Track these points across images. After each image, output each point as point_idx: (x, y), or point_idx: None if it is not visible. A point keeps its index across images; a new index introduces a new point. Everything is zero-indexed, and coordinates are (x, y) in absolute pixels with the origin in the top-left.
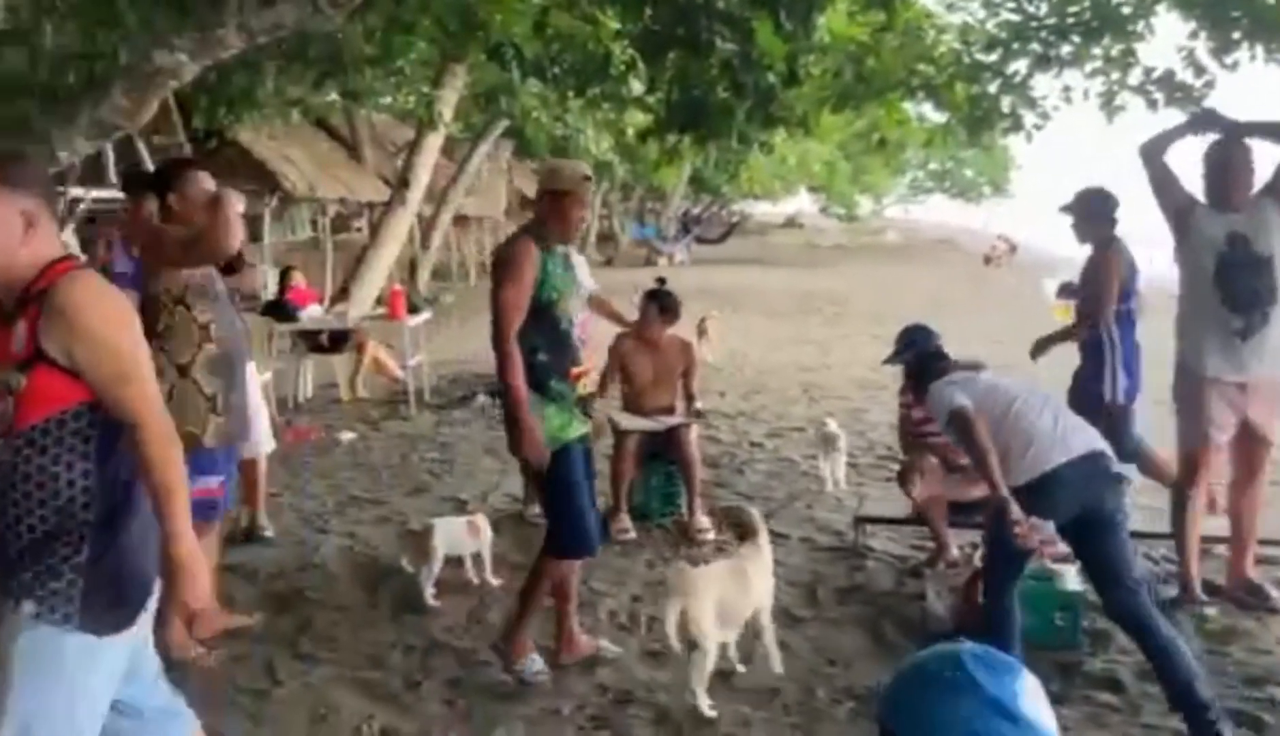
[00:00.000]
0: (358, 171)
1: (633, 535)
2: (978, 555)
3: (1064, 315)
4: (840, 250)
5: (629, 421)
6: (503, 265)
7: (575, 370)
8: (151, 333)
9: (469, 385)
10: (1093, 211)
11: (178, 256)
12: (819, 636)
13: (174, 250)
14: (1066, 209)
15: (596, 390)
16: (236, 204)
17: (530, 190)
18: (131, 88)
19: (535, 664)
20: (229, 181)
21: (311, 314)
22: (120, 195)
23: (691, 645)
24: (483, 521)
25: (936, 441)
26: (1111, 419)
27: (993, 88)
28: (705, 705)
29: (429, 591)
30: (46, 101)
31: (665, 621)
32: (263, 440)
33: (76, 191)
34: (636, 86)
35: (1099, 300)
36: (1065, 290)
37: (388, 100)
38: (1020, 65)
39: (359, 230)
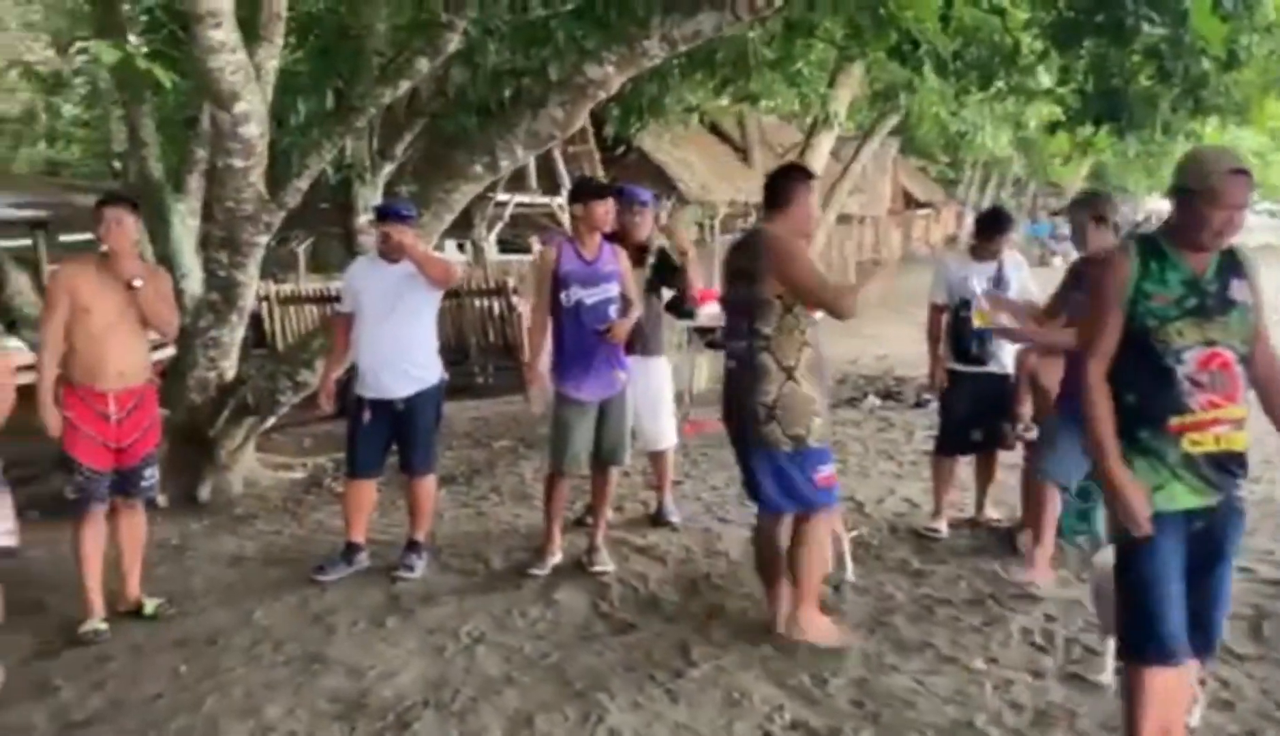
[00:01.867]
0: (747, 173)
1: None
2: None
3: None
4: (1272, 250)
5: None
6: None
7: (1176, 421)
8: None
9: (857, 386)
10: None
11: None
12: (1266, 676)
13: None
14: None
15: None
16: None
17: (915, 188)
18: (565, 100)
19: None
20: (635, 184)
21: (709, 312)
22: (543, 200)
23: None
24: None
25: None
26: None
27: None
28: None
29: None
30: (483, 115)
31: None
32: (670, 433)
33: (503, 196)
34: (1045, 78)
35: None
36: None
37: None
38: None
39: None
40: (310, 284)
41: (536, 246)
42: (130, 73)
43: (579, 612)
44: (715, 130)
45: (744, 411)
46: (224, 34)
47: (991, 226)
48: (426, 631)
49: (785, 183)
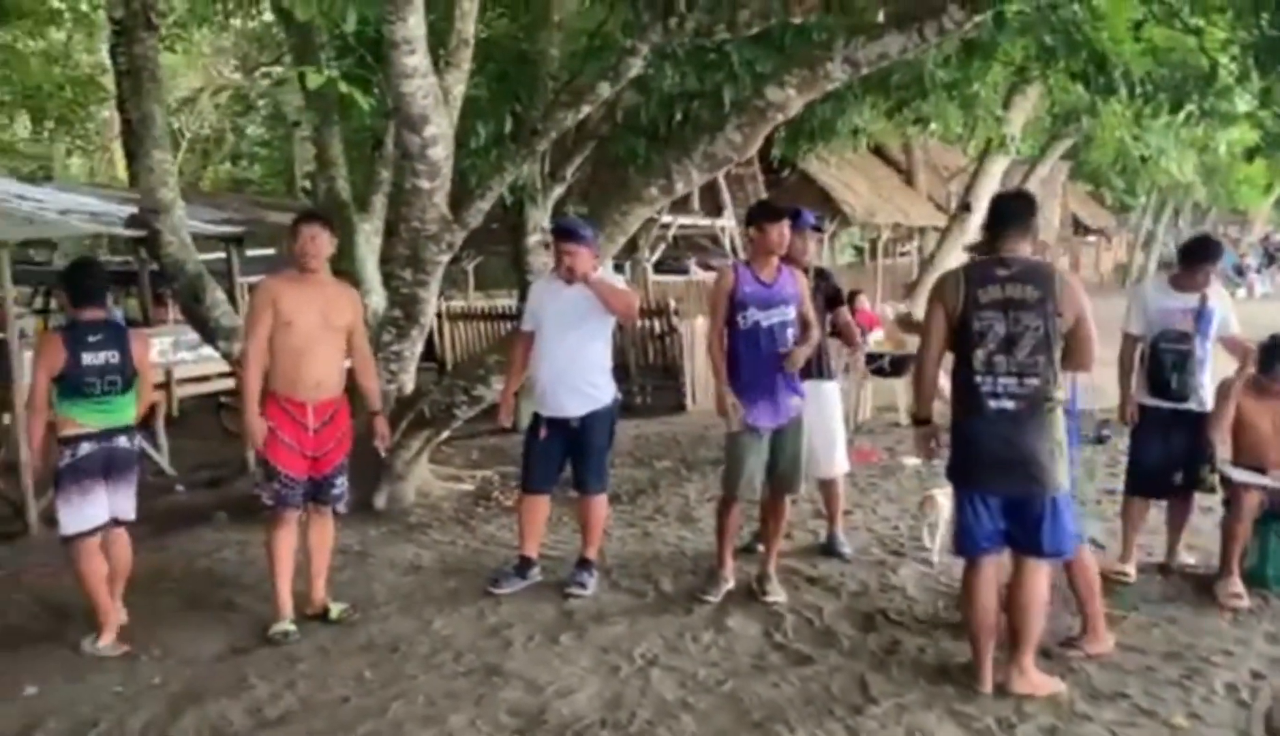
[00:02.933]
0: (911, 196)
1: (1246, 603)
2: None
3: None
4: None
5: (1243, 475)
6: None
7: None
8: None
9: None
10: None
11: None
12: None
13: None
14: None
15: None
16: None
17: (1085, 214)
18: (743, 123)
19: None
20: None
21: (876, 338)
22: (705, 221)
23: None
24: None
25: None
26: None
27: None
28: None
29: None
30: (652, 138)
31: None
32: (843, 460)
33: (667, 218)
34: (1244, 101)
35: None
36: None
37: (947, 126)
38: None
39: (904, 255)
40: (478, 301)
41: (694, 268)
42: (328, 96)
43: (752, 641)
44: (879, 153)
45: (1037, 454)
46: (417, 60)
47: (1198, 255)
48: (600, 650)
49: (1028, 214)
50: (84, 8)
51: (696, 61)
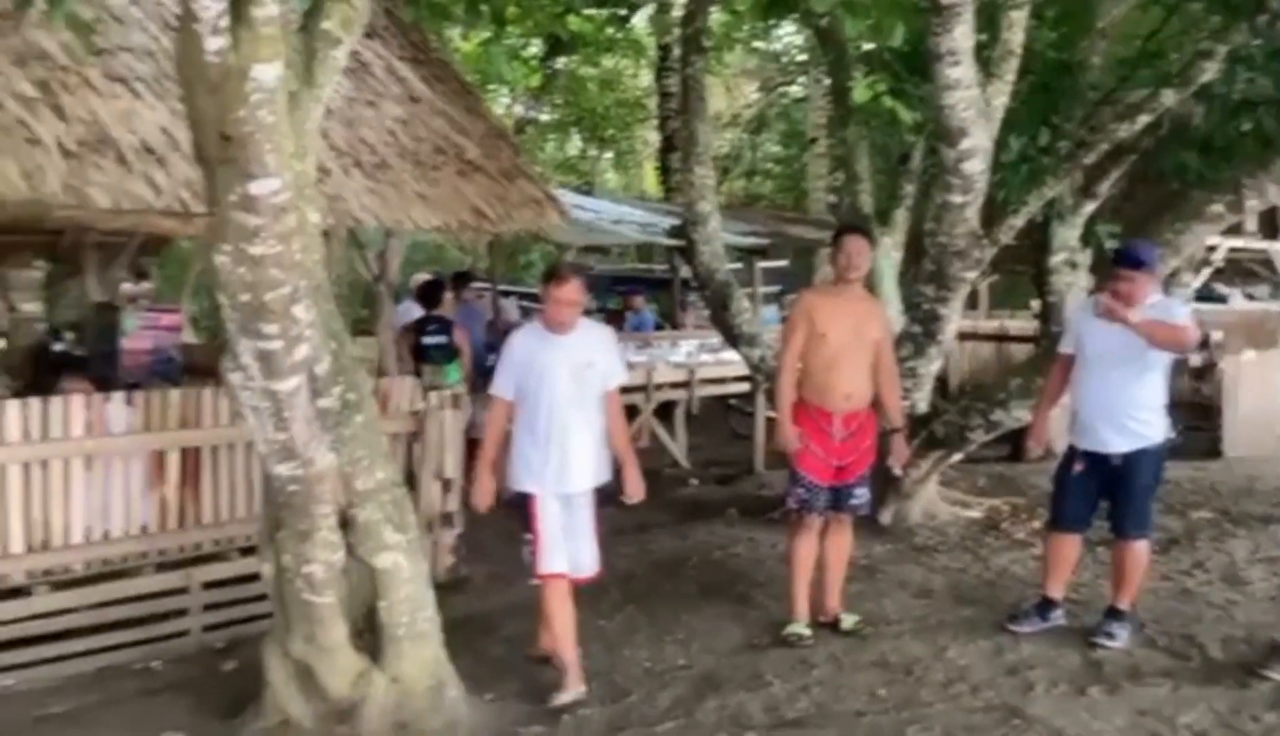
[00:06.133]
0: None
1: None
2: None
3: None
4: None
5: None
6: None
7: None
8: None
9: None
10: None
11: None
12: None
13: None
14: None
15: None
16: None
17: None
18: None
19: None
20: None
21: None
22: (1259, 245)
23: None
24: None
25: None
26: None
27: None
28: None
29: None
30: (1206, 150)
31: None
32: None
33: (1213, 240)
34: None
35: None
36: None
37: None
38: None
39: None
40: (989, 322)
41: (1235, 296)
42: (861, 111)
43: None
44: None
45: None
46: (961, 71)
47: None
48: (1137, 711)
49: None
50: (636, 36)
51: (1276, 64)
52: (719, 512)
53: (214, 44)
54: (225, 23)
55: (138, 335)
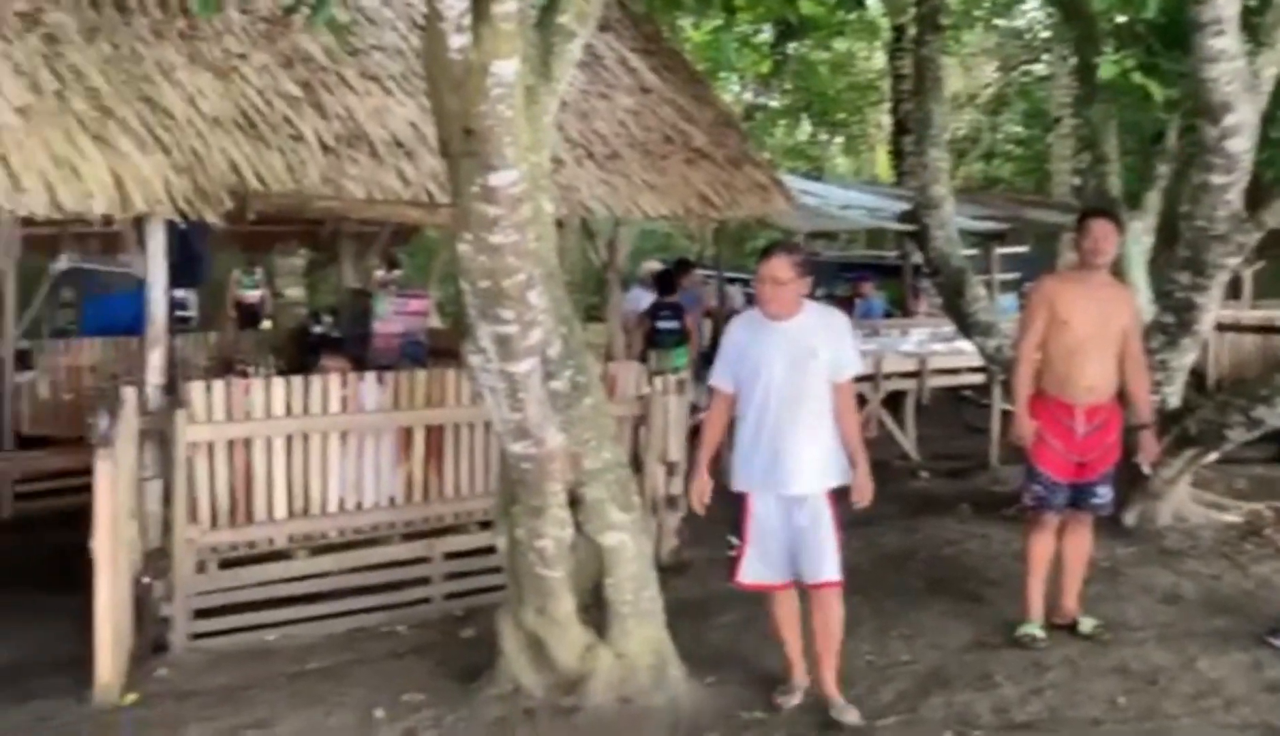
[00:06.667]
0: None
1: None
2: None
3: None
4: None
5: None
6: None
7: None
8: None
9: None
10: None
11: None
12: None
13: None
14: None
15: None
16: None
17: None
18: None
19: None
20: None
21: None
22: None
23: None
24: None
25: None
26: None
27: None
28: None
29: None
30: None
31: None
32: None
33: None
34: None
35: None
36: None
37: None
38: None
39: None
40: (1253, 312)
41: None
42: (1109, 88)
43: None
44: None
45: None
46: (1226, 41)
47: None
48: None
49: None
50: (869, 17)
51: None
52: (949, 507)
53: (457, 41)
54: (468, 20)
55: (388, 319)
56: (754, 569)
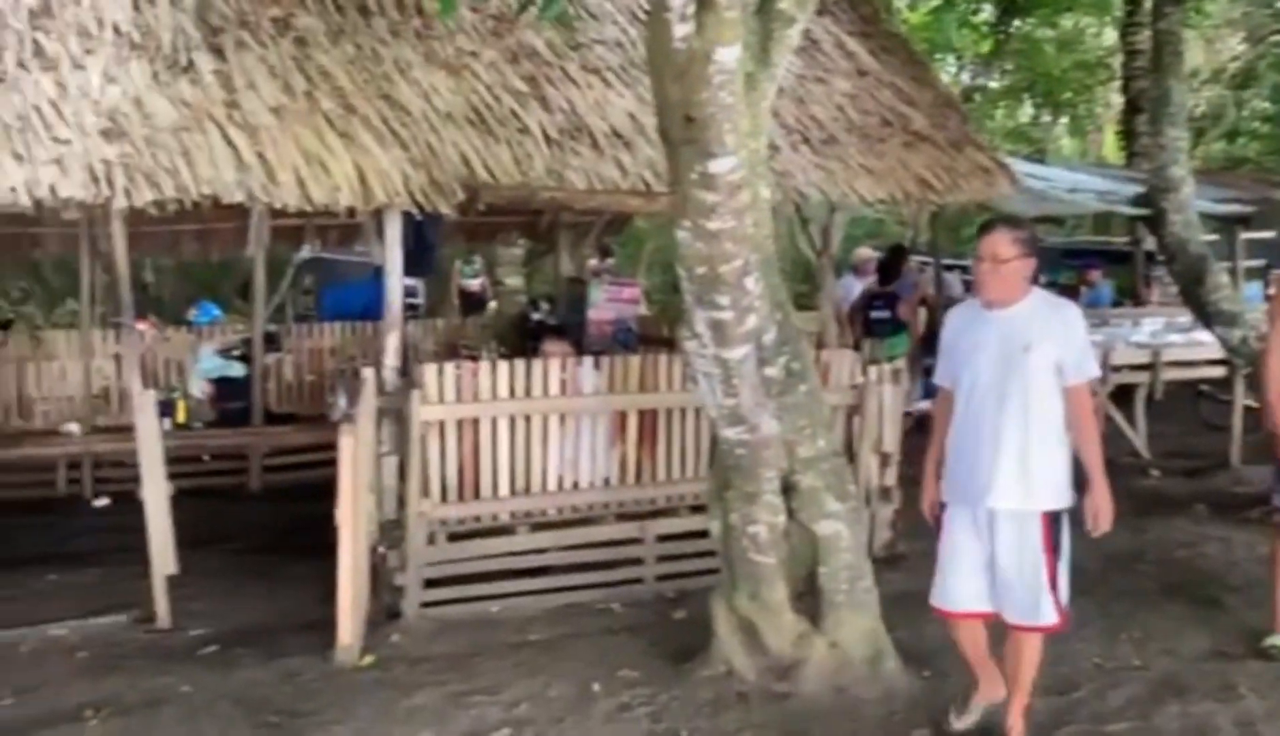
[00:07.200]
0: None
1: None
2: None
3: None
4: None
5: None
6: None
7: None
8: None
9: None
10: None
11: None
12: None
13: None
14: None
15: None
16: None
17: None
18: None
19: None
20: None
21: None
22: None
23: None
24: None
25: None
26: None
27: None
28: None
29: None
30: None
31: None
32: None
33: None
34: None
35: None
36: None
37: None
38: None
39: None
40: None
41: None
42: None
43: None
44: None
45: None
46: None
47: None
48: None
49: None
50: None
51: None
52: (1184, 508)
53: (681, 30)
54: (691, 10)
55: (602, 306)
56: (938, 590)
